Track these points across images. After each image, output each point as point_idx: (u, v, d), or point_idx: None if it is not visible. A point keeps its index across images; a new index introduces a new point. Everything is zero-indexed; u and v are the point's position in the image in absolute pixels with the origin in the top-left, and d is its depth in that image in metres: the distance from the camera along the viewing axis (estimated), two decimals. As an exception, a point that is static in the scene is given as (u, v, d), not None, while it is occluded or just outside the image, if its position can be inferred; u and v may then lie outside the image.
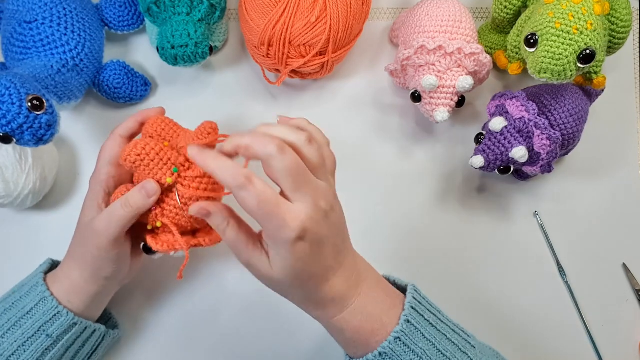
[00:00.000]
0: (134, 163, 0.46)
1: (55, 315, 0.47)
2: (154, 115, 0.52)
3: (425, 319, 0.45)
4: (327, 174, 0.43)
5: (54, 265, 0.52)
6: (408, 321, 0.44)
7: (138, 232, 0.50)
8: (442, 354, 0.44)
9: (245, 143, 0.40)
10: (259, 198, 0.39)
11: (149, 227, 0.48)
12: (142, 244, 0.49)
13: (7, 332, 0.47)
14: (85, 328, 0.49)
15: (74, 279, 0.48)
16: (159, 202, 0.47)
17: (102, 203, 0.48)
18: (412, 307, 0.44)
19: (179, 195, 0.47)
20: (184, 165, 0.47)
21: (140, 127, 0.52)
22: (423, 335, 0.44)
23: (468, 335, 0.47)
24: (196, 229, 0.51)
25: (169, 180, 0.46)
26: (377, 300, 0.44)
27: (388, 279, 0.49)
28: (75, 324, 0.48)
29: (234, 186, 0.39)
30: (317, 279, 0.42)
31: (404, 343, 0.43)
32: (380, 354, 0.43)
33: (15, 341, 0.46)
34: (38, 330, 0.47)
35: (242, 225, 0.43)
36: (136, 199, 0.46)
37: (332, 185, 0.44)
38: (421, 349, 0.43)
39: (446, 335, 0.45)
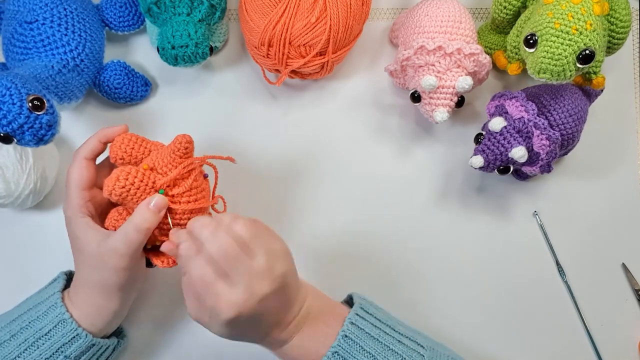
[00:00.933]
0: (120, 196, 0.45)
1: (74, 337, 0.47)
2: (119, 135, 0.50)
3: (366, 332, 0.47)
4: (265, 244, 0.43)
5: (67, 277, 0.52)
6: (346, 336, 0.46)
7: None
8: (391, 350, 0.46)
9: (189, 227, 0.44)
10: (199, 273, 0.42)
11: (149, 247, 0.49)
12: (144, 259, 0.50)
13: (24, 352, 0.46)
14: (101, 346, 0.49)
15: (96, 302, 0.48)
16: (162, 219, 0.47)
17: (100, 229, 0.48)
18: (352, 323, 0.47)
19: (172, 214, 0.47)
20: (168, 185, 0.47)
21: (103, 147, 0.50)
22: (362, 348, 0.46)
23: (418, 344, 0.49)
24: None
25: (161, 192, 0.47)
26: (317, 335, 0.47)
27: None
28: (94, 344, 0.48)
29: (183, 256, 0.43)
30: (256, 338, 0.46)
31: (342, 357, 0.45)
32: None
33: None
34: (56, 352, 0.47)
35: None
36: (147, 217, 0.45)
37: (273, 255, 0.43)
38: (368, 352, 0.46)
39: (389, 347, 0.47)
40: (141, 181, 0.46)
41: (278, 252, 0.44)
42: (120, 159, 0.49)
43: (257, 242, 0.43)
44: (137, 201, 0.46)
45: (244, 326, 0.43)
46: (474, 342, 0.59)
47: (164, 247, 0.46)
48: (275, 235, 0.46)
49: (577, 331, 0.60)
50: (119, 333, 0.55)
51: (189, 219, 0.47)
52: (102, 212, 0.50)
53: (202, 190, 0.49)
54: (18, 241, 0.59)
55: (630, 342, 0.60)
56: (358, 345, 0.46)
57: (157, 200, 0.46)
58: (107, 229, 0.48)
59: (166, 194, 0.47)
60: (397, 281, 0.60)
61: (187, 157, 0.48)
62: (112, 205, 0.49)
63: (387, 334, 0.48)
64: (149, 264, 0.50)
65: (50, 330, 0.47)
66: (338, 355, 0.45)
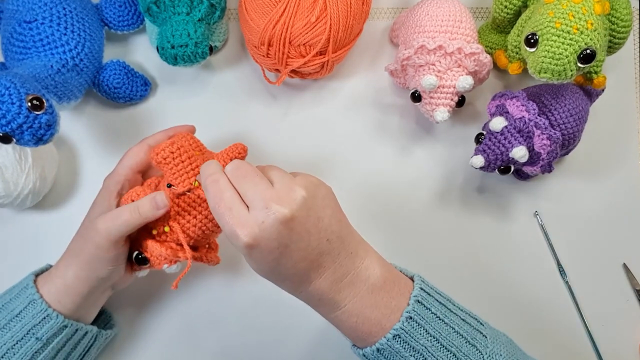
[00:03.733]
0: (164, 159, 0.46)
1: (44, 318, 0.47)
2: (182, 132, 0.52)
3: (432, 312, 0.44)
4: (284, 174, 0.43)
5: (49, 268, 0.52)
6: (410, 318, 0.43)
7: (137, 241, 0.50)
8: (446, 349, 0.43)
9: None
10: (216, 199, 0.41)
11: (154, 232, 0.48)
12: (135, 252, 0.49)
13: None
14: (77, 330, 0.48)
15: (67, 278, 0.48)
16: (176, 207, 0.47)
17: (113, 203, 0.49)
18: (418, 301, 0.44)
19: (193, 211, 0.48)
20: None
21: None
22: (427, 331, 0.43)
23: (480, 324, 0.46)
24: (196, 247, 0.51)
25: (195, 184, 0.47)
26: (378, 305, 0.43)
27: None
28: (66, 326, 0.47)
29: (202, 184, 0.43)
30: (292, 280, 0.42)
31: (403, 340, 0.42)
32: (393, 336, 0.42)
33: (4, 344, 0.46)
34: (27, 333, 0.46)
35: None
36: (146, 207, 0.46)
37: (295, 184, 0.42)
38: (422, 345, 0.43)
39: (454, 328, 0.44)
40: (188, 157, 0.47)
41: (303, 183, 0.42)
42: (178, 154, 0.49)
43: (274, 170, 0.43)
44: (174, 173, 0.47)
45: (269, 258, 0.40)
46: (474, 342, 0.59)
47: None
48: (305, 174, 0.45)
49: (577, 331, 0.60)
50: (106, 323, 0.55)
51: (203, 225, 0.48)
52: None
53: None
54: (17, 241, 0.59)
55: (630, 342, 0.60)
56: (422, 328, 0.43)
57: (159, 197, 0.46)
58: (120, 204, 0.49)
59: (198, 187, 0.47)
60: (397, 281, 0.60)
61: None
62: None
63: (452, 311, 0.45)
64: (139, 261, 0.49)
65: (21, 311, 0.47)
66: (399, 338, 0.42)
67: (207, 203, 0.46)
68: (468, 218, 0.61)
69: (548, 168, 0.55)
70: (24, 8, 0.54)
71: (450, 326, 0.44)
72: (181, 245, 0.47)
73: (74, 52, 0.54)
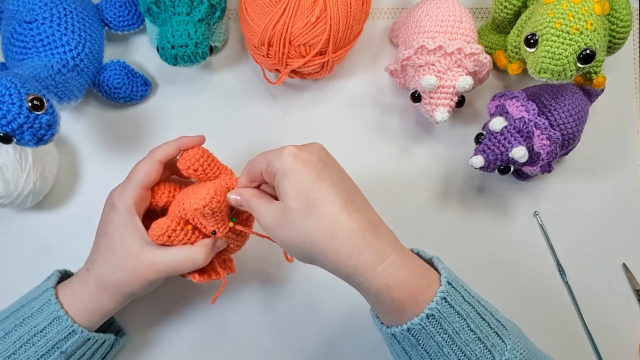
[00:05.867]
0: (212, 210, 0.46)
1: (69, 333, 0.47)
2: (193, 147, 0.50)
3: (461, 285, 0.43)
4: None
5: (62, 277, 0.51)
6: (449, 282, 0.41)
7: None
8: (482, 318, 0.42)
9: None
10: (251, 162, 0.47)
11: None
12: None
13: (19, 349, 0.46)
14: (96, 340, 0.49)
15: (99, 300, 0.48)
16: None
17: (143, 233, 0.48)
18: (449, 282, 0.42)
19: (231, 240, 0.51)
20: (241, 213, 0.51)
21: (178, 153, 0.51)
22: (458, 313, 0.41)
23: (502, 326, 0.44)
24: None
25: (230, 225, 0.49)
26: (414, 259, 0.42)
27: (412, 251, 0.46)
28: (89, 339, 0.48)
29: (246, 169, 0.48)
30: (334, 202, 0.41)
31: (449, 304, 0.40)
32: (427, 316, 0.40)
33: (28, 358, 0.46)
34: (52, 348, 0.46)
35: (264, 196, 0.46)
36: (200, 261, 0.48)
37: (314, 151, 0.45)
38: (465, 310, 0.41)
39: (481, 302, 0.43)
40: (223, 205, 0.47)
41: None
42: (194, 169, 0.49)
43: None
44: (213, 221, 0.47)
45: (311, 168, 0.42)
46: (474, 342, 0.59)
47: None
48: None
49: (577, 331, 0.60)
50: (117, 331, 0.55)
51: (231, 251, 0.53)
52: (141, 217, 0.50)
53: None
54: (17, 241, 0.59)
55: (630, 342, 0.60)
56: (460, 295, 0.42)
57: (219, 243, 0.50)
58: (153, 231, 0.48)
59: (235, 224, 0.50)
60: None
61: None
62: (151, 214, 0.50)
63: (475, 299, 0.44)
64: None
65: (46, 327, 0.47)
66: (446, 302, 0.40)
67: (237, 235, 0.51)
68: (468, 218, 0.61)
69: (548, 168, 0.55)
70: (24, 8, 0.54)
71: (478, 313, 0.42)
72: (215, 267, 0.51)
73: (75, 52, 0.55)
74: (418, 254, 0.46)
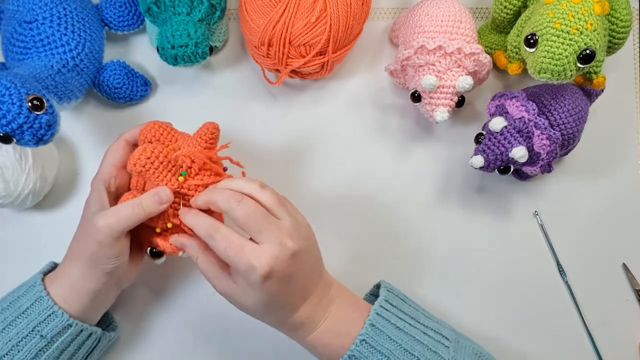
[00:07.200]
0: (143, 167, 0.46)
1: (50, 315, 0.47)
2: (150, 121, 0.52)
3: (392, 323, 0.48)
4: (289, 212, 0.46)
5: (55, 267, 0.53)
6: (372, 325, 0.47)
7: (140, 237, 0.50)
8: (409, 353, 0.47)
9: (212, 199, 0.46)
10: (224, 244, 0.44)
11: (158, 230, 0.49)
12: (148, 249, 0.50)
13: (1, 332, 0.47)
14: (81, 330, 0.49)
15: (74, 278, 0.48)
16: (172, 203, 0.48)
17: (106, 201, 0.49)
18: (377, 313, 0.48)
19: (184, 200, 0.48)
20: (190, 167, 0.48)
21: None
22: (389, 337, 0.47)
23: (443, 336, 0.49)
24: None
25: (180, 179, 0.48)
26: (347, 318, 0.48)
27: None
28: (70, 325, 0.48)
29: (205, 237, 0.45)
30: (287, 308, 0.46)
31: (370, 345, 0.47)
32: (349, 356, 0.46)
33: (10, 341, 0.46)
34: (32, 330, 0.46)
35: (215, 258, 0.47)
36: (149, 203, 0.47)
37: (299, 222, 0.47)
38: (387, 349, 0.47)
39: (414, 337, 0.48)
40: (165, 157, 0.47)
41: (301, 221, 0.47)
42: (149, 141, 0.50)
43: (282, 208, 0.46)
44: (157, 177, 0.47)
45: (277, 288, 0.44)
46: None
47: (174, 240, 0.48)
48: (297, 210, 0.48)
49: (577, 331, 0.60)
50: (108, 325, 0.55)
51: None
52: (119, 197, 0.50)
53: (216, 175, 0.50)
54: (17, 241, 0.59)
55: (630, 342, 0.60)
56: (384, 334, 0.47)
57: (163, 192, 0.47)
58: None
59: (186, 179, 0.48)
60: (396, 281, 0.60)
61: (213, 144, 0.50)
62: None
63: (412, 325, 0.49)
64: (154, 255, 0.50)
65: (28, 308, 0.47)
66: (365, 342, 0.46)
67: (199, 190, 0.48)
68: (468, 218, 0.61)
69: (548, 168, 0.55)
70: (24, 8, 0.54)
71: (410, 335, 0.48)
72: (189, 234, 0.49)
73: (74, 52, 0.55)
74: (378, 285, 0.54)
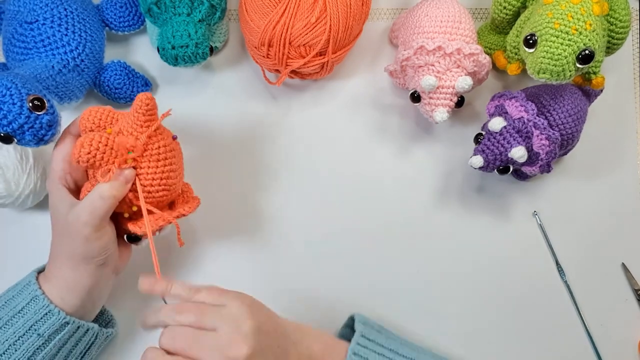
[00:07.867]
0: (87, 162, 0.45)
1: (46, 314, 0.47)
2: (87, 109, 0.50)
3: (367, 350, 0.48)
4: (222, 316, 0.43)
5: None
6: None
7: (118, 225, 0.50)
8: None
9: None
10: None
11: (127, 215, 0.49)
12: (125, 235, 0.50)
13: None
14: (78, 327, 0.49)
15: (67, 277, 0.48)
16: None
17: (71, 199, 0.48)
18: (354, 353, 0.48)
19: (142, 175, 0.47)
20: (134, 146, 0.47)
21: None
22: None
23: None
24: (172, 201, 0.51)
25: (129, 161, 0.47)
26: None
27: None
28: (67, 323, 0.48)
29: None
30: None
31: None
32: None
33: (6, 340, 0.46)
34: (29, 329, 0.47)
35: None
36: (115, 185, 0.46)
37: (240, 321, 0.43)
38: None
39: None
40: (106, 145, 0.46)
41: (239, 313, 0.43)
42: (90, 130, 0.49)
43: (213, 314, 0.43)
44: (106, 164, 0.46)
45: None
46: (473, 341, 0.59)
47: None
48: (235, 295, 0.45)
49: (576, 331, 0.60)
50: (107, 322, 0.55)
51: (161, 180, 0.48)
52: (79, 190, 0.50)
53: (171, 150, 0.49)
54: (18, 241, 0.59)
55: (630, 342, 0.60)
56: None
57: (126, 171, 0.47)
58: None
59: (134, 158, 0.47)
60: (396, 281, 0.60)
61: (151, 116, 0.48)
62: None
63: (391, 359, 0.49)
64: (132, 240, 0.50)
65: (24, 307, 0.47)
66: None
67: (149, 156, 0.47)
68: (467, 218, 0.62)
69: (547, 168, 0.55)
70: (25, 9, 0.55)
71: None
72: (155, 212, 0.48)
73: (75, 53, 0.55)
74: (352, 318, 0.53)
